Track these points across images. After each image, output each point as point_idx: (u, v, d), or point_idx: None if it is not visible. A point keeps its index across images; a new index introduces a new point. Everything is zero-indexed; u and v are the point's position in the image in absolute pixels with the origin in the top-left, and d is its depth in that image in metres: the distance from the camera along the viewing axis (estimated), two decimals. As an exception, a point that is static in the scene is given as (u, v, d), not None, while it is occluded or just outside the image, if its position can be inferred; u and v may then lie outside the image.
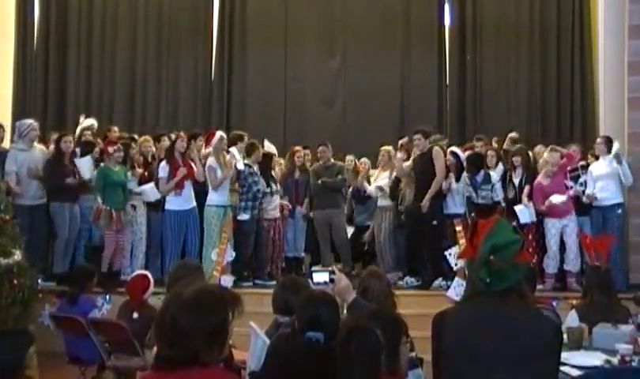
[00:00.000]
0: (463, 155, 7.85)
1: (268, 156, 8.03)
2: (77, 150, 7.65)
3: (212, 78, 11.27)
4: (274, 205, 7.94)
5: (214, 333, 1.95)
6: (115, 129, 8.90)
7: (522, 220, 7.34)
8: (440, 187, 7.50)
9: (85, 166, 7.45)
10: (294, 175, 8.44)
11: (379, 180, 8.24)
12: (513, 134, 8.66)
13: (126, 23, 11.18)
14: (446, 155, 7.70)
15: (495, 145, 8.62)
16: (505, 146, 8.43)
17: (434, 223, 7.44)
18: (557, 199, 7.27)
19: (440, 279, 7.40)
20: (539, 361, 2.04)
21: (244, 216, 7.56)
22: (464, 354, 2.06)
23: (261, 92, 11.19)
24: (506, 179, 7.81)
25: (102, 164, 7.43)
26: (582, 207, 7.60)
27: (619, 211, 7.45)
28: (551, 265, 7.43)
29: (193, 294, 1.98)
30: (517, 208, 7.43)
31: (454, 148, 8.02)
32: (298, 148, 8.62)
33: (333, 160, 8.59)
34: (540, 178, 7.53)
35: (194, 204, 7.47)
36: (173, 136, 7.77)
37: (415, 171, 7.74)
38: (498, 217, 2.33)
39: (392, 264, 7.95)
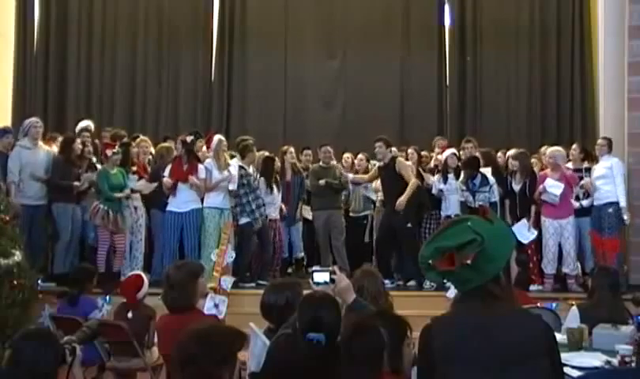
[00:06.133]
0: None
1: (269, 159, 8.03)
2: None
3: (212, 78, 11.27)
4: (275, 207, 7.96)
5: (226, 359, 2.43)
6: (108, 129, 8.90)
7: (520, 238, 7.31)
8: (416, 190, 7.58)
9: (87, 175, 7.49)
10: (285, 177, 8.38)
11: None
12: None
13: (126, 23, 11.18)
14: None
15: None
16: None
17: (409, 225, 7.53)
18: (552, 188, 7.24)
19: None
20: (529, 362, 2.02)
21: (243, 220, 7.58)
22: (453, 360, 2.05)
23: (261, 93, 11.18)
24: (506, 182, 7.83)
25: (101, 167, 7.44)
26: (582, 207, 7.62)
27: (610, 210, 7.44)
28: (549, 266, 7.43)
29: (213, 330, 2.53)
30: (514, 227, 7.36)
31: (454, 150, 8.05)
32: (287, 148, 8.60)
33: (332, 162, 8.64)
34: (548, 172, 7.50)
35: (195, 206, 7.41)
36: (188, 138, 7.73)
37: (381, 182, 7.83)
38: (460, 217, 2.30)
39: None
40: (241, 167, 7.64)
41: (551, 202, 7.33)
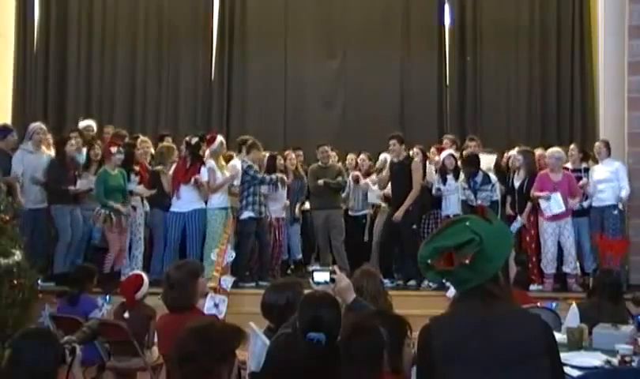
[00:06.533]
0: (456, 155, 7.92)
1: (272, 157, 8.04)
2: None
3: (212, 78, 11.28)
4: (281, 205, 7.97)
5: (225, 356, 2.44)
6: (110, 128, 8.90)
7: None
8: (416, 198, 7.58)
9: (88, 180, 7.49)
10: (287, 178, 8.38)
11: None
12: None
13: (126, 23, 11.18)
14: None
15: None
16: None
17: (414, 226, 7.52)
18: (554, 204, 7.25)
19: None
20: (529, 361, 2.02)
21: (245, 215, 7.57)
22: (453, 360, 2.05)
23: (261, 93, 11.19)
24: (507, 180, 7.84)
25: (101, 169, 7.40)
26: (581, 208, 7.62)
27: (615, 212, 7.45)
28: (549, 265, 7.43)
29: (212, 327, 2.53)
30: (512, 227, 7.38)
31: (451, 151, 8.04)
32: (290, 153, 8.66)
33: (331, 161, 8.64)
34: (548, 171, 7.49)
35: (198, 206, 7.40)
36: (193, 139, 7.74)
37: (391, 178, 7.80)
38: (459, 217, 2.30)
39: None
40: (243, 161, 7.67)
41: (543, 211, 7.35)
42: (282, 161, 8.24)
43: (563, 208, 7.27)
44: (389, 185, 7.95)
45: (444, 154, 8.03)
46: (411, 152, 8.07)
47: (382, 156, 8.87)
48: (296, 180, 8.56)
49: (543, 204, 7.32)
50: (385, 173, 7.98)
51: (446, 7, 11.20)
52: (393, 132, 8.03)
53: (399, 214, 7.46)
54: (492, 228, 2.13)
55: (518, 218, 7.53)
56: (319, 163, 8.61)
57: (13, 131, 7.63)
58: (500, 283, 2.14)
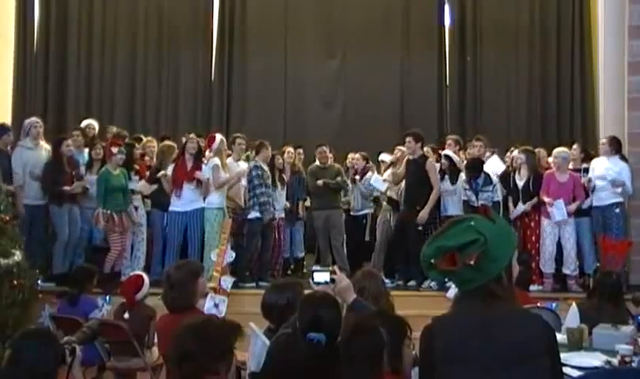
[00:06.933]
0: (456, 158, 7.88)
1: (271, 158, 8.05)
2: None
3: (212, 78, 11.28)
4: (280, 205, 7.98)
5: (224, 354, 2.44)
6: (113, 128, 8.90)
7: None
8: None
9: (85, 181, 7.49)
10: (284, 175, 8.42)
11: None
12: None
13: (126, 23, 11.19)
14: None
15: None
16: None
17: (420, 228, 7.46)
18: (559, 211, 7.28)
19: (429, 280, 7.36)
20: (530, 361, 2.02)
21: (252, 215, 7.57)
22: (454, 360, 2.05)
23: (261, 93, 11.19)
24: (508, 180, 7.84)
25: (102, 169, 7.39)
26: (581, 208, 7.61)
27: (617, 210, 7.45)
28: (547, 265, 7.44)
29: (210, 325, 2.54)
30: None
31: (448, 152, 8.02)
32: (287, 148, 8.65)
33: (330, 162, 8.64)
34: (555, 171, 7.50)
35: (198, 205, 7.39)
36: (184, 138, 7.76)
37: (406, 176, 7.75)
38: (462, 216, 2.29)
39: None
40: (253, 160, 7.71)
41: (549, 214, 7.38)
42: (280, 160, 8.23)
43: (566, 217, 7.33)
44: (402, 183, 7.90)
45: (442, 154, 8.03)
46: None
47: (382, 157, 8.87)
48: (294, 175, 8.53)
49: (548, 208, 7.36)
50: (402, 169, 7.90)
51: (446, 7, 11.20)
52: (410, 130, 7.99)
53: (424, 215, 7.37)
54: (496, 228, 2.14)
55: (519, 205, 7.52)
56: (318, 164, 8.60)
57: (10, 130, 7.61)
58: (503, 283, 2.14)
